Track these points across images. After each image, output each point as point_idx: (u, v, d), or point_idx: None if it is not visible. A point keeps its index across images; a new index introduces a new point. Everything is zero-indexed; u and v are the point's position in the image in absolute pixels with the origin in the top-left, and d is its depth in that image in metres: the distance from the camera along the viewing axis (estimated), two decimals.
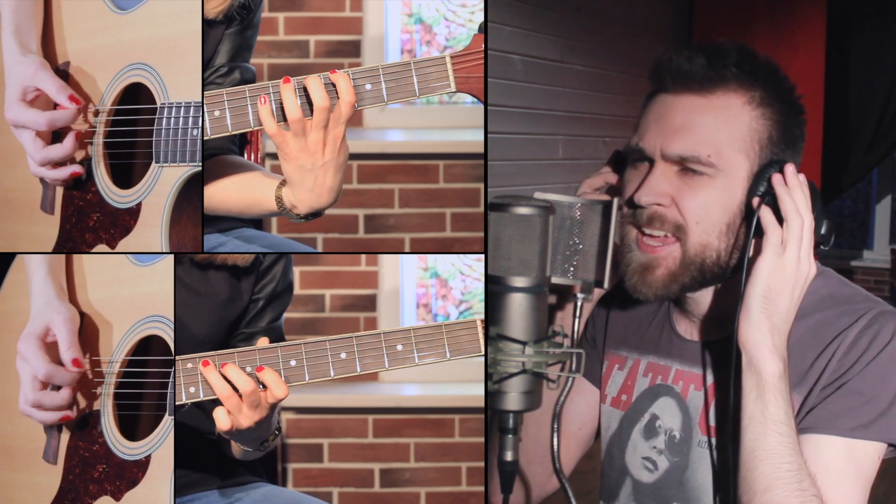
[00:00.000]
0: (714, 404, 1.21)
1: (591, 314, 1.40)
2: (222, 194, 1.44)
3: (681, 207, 1.14)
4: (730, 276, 1.17)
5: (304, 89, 1.30)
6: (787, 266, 1.09)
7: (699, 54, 1.14)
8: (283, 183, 1.37)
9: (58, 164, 1.42)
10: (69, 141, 1.41)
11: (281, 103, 1.30)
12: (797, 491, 1.05)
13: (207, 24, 1.46)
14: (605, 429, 1.35)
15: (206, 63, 1.48)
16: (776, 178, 1.12)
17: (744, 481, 1.08)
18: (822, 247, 1.15)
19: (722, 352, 1.19)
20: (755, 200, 1.12)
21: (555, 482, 1.37)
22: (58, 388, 1.40)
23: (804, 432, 1.11)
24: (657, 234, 1.15)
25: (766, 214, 1.11)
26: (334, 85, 1.30)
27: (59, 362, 1.40)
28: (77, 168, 1.42)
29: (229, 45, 1.49)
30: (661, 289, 1.16)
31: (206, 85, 1.48)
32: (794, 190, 1.11)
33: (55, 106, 1.42)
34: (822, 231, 1.14)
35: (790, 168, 1.12)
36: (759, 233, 1.11)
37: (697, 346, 1.25)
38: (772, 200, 1.11)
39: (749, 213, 1.13)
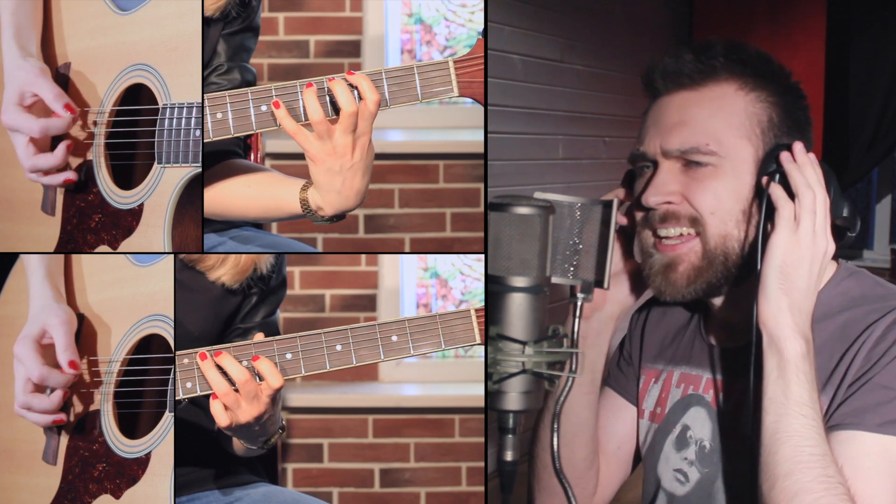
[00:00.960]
0: (740, 410, 1.18)
1: (627, 332, 1.40)
2: (239, 200, 1.44)
3: (692, 201, 1.13)
4: (749, 269, 1.15)
5: (328, 91, 1.30)
6: (802, 240, 1.06)
7: (686, 51, 1.15)
8: (307, 185, 1.38)
9: (47, 171, 1.42)
10: (60, 151, 1.41)
11: (293, 105, 1.31)
12: (822, 477, 0.99)
13: (205, 22, 1.46)
14: (642, 443, 1.34)
15: (206, 62, 1.48)
16: (784, 156, 1.10)
17: (764, 468, 1.03)
18: (849, 233, 1.12)
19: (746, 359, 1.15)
20: (764, 179, 1.11)
21: (597, 500, 1.36)
22: (51, 391, 1.40)
23: (832, 430, 1.06)
24: (673, 233, 1.15)
25: (775, 191, 1.09)
26: (355, 87, 1.30)
27: (56, 364, 1.40)
28: (70, 175, 1.42)
29: (227, 46, 1.49)
30: (685, 286, 1.15)
31: (206, 83, 1.48)
32: (803, 166, 1.08)
33: (52, 113, 1.42)
34: (845, 213, 1.10)
35: (798, 145, 1.10)
36: (772, 214, 1.09)
37: (727, 353, 1.23)
38: (782, 179, 1.09)
39: (760, 196, 1.11)
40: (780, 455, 1.02)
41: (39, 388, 1.40)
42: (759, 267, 1.08)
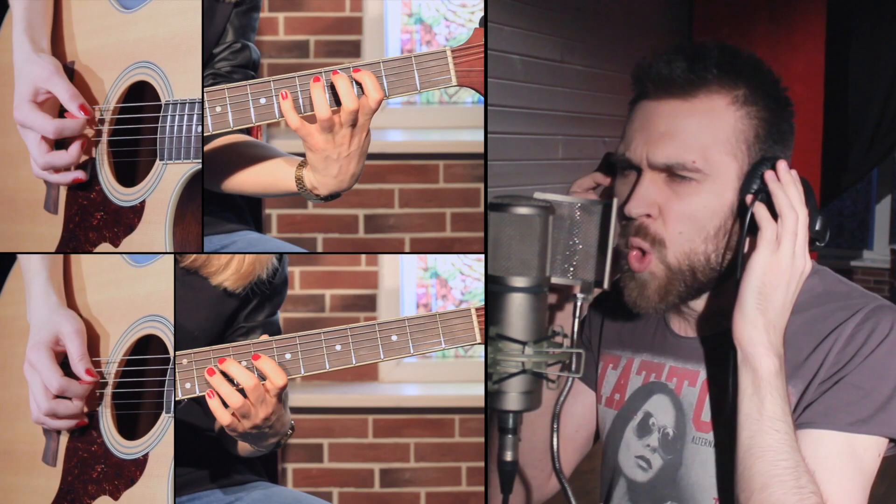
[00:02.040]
0: (708, 399, 1.20)
1: (586, 316, 1.40)
2: (240, 174, 1.46)
3: (666, 217, 1.13)
4: (724, 277, 1.17)
5: (331, 85, 1.32)
6: (781, 261, 1.08)
7: (679, 58, 1.13)
8: (303, 163, 1.39)
9: (59, 169, 1.42)
10: (74, 149, 1.40)
11: (300, 97, 1.32)
12: (794, 489, 1.04)
13: (217, 1, 1.48)
14: (602, 429, 1.35)
15: (216, 40, 1.49)
16: (769, 175, 1.11)
17: (741, 479, 1.08)
18: (817, 243, 1.14)
19: (716, 347, 1.19)
20: (748, 198, 1.11)
21: (554, 483, 1.36)
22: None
23: (802, 427, 1.10)
24: (636, 244, 1.15)
25: (760, 210, 1.10)
26: (359, 83, 1.31)
27: (68, 371, 1.39)
28: (80, 174, 1.42)
29: (237, 24, 1.51)
30: (658, 302, 1.16)
31: (217, 60, 1.49)
32: (787, 186, 1.10)
33: (63, 111, 1.41)
34: (818, 227, 1.13)
35: (782, 164, 1.12)
36: (753, 230, 1.11)
37: (691, 342, 1.25)
38: (765, 197, 1.11)
39: (742, 212, 1.12)
40: (756, 469, 1.06)
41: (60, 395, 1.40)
42: (739, 282, 1.10)
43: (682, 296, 1.17)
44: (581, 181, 1.27)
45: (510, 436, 1.01)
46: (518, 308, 0.99)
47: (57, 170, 1.41)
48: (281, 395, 1.33)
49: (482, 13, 1.36)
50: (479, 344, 1.33)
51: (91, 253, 1.44)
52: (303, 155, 1.39)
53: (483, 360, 1.17)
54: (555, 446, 1.09)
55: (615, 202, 1.12)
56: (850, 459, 1.09)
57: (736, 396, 1.10)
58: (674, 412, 1.24)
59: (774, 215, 1.10)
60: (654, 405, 1.26)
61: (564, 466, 1.39)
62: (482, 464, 3.02)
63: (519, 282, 0.98)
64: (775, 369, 1.07)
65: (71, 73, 1.45)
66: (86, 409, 1.41)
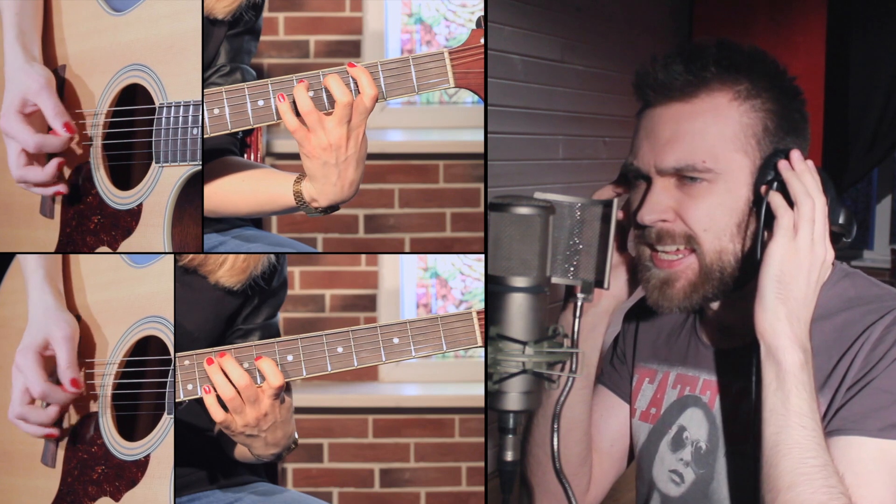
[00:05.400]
0: (737, 411, 1.18)
1: (620, 330, 1.40)
2: (233, 196, 1.44)
3: (685, 218, 1.12)
4: (748, 277, 1.14)
5: (323, 85, 1.31)
6: (800, 249, 1.05)
7: (675, 61, 1.12)
8: (301, 178, 1.38)
9: (35, 184, 1.41)
10: (51, 167, 1.40)
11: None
12: (824, 487, 0.99)
13: (212, 23, 1.46)
14: (636, 443, 1.34)
15: (208, 63, 1.48)
16: (782, 164, 1.09)
17: (766, 479, 1.03)
18: (844, 238, 1.11)
19: (748, 358, 1.14)
20: (763, 188, 1.10)
21: (592, 496, 1.35)
22: (46, 404, 1.39)
23: (832, 435, 1.06)
24: (670, 249, 1.14)
25: (775, 199, 1.08)
26: (354, 79, 1.31)
27: (55, 375, 1.39)
28: (61, 188, 1.41)
29: (230, 47, 1.49)
30: (682, 301, 1.15)
31: (206, 84, 1.48)
32: (802, 174, 1.08)
33: (49, 127, 1.41)
34: (841, 220, 1.10)
35: (796, 153, 1.10)
36: (770, 222, 1.08)
37: (724, 354, 1.23)
38: (780, 187, 1.09)
39: (759, 204, 1.10)
40: (782, 467, 1.02)
41: (34, 400, 1.39)
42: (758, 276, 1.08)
43: (707, 297, 1.15)
44: (599, 193, 1.25)
45: (510, 436, 1.01)
46: (518, 308, 0.98)
47: (35, 184, 1.41)
48: (283, 398, 1.33)
49: (481, 13, 1.36)
50: (480, 347, 1.33)
51: (91, 253, 1.44)
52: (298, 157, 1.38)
53: (483, 360, 1.17)
54: (555, 447, 1.08)
55: (616, 202, 1.12)
56: (882, 465, 1.04)
57: (760, 392, 1.06)
58: (707, 426, 1.22)
59: (791, 205, 1.07)
60: (687, 419, 1.25)
61: (602, 482, 1.37)
62: (482, 464, 3.02)
63: (519, 282, 0.98)
64: (800, 362, 1.03)
65: (62, 77, 1.45)
66: (74, 417, 1.40)
